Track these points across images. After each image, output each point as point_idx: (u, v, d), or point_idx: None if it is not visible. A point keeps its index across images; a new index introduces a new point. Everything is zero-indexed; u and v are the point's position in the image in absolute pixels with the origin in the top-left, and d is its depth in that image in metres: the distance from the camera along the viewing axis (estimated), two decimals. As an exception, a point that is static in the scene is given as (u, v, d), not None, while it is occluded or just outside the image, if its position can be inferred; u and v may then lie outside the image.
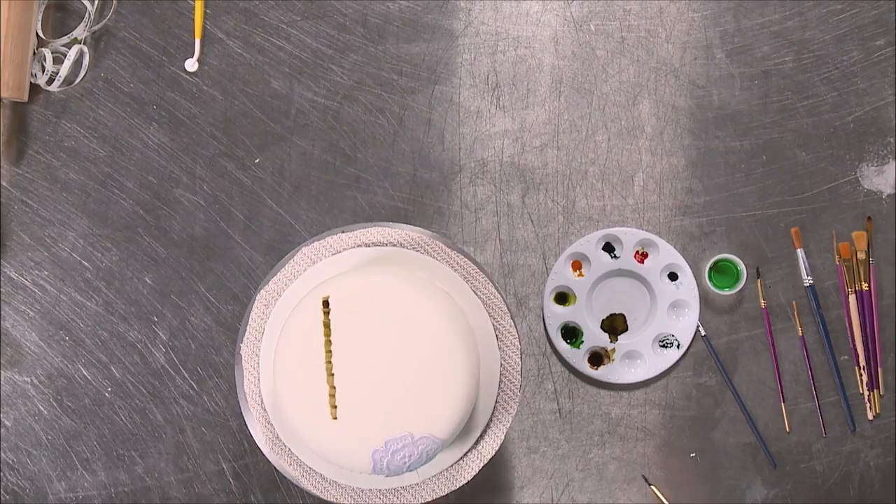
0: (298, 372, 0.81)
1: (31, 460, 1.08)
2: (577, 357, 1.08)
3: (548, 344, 1.09)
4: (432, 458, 0.81)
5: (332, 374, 0.80)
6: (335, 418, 0.80)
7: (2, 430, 1.08)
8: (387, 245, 0.91)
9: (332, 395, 0.80)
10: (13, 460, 1.08)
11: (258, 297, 0.91)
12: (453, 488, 0.89)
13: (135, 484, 1.08)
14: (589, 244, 1.09)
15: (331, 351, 0.81)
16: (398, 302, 0.82)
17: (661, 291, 1.08)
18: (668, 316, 1.08)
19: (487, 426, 0.89)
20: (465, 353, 0.81)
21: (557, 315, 1.08)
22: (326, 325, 0.81)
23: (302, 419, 0.81)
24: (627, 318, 1.09)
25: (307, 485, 0.89)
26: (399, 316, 0.81)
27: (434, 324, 0.81)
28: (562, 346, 1.08)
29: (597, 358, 1.09)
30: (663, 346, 1.09)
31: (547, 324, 1.08)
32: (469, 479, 0.89)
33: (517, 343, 0.90)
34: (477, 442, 0.89)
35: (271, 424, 0.90)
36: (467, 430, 0.88)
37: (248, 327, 0.90)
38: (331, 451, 0.81)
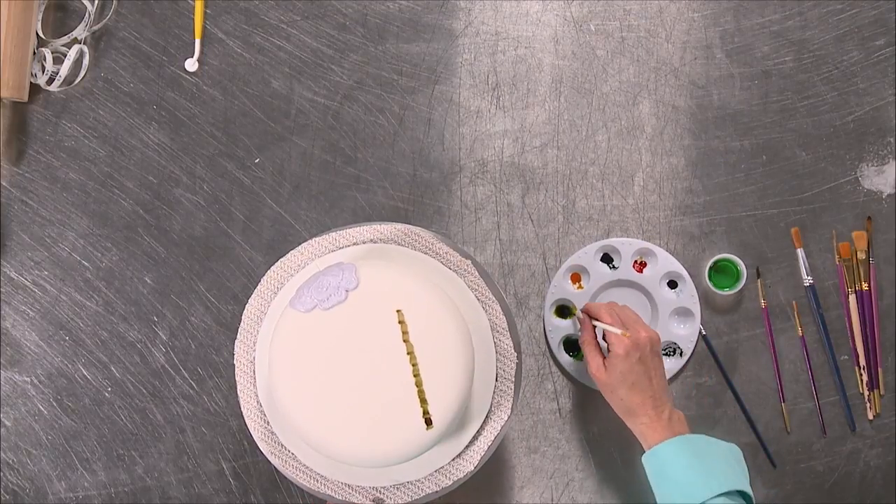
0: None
1: (31, 460, 1.08)
2: (580, 369, 1.07)
3: (549, 352, 1.09)
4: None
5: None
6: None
7: (2, 430, 1.08)
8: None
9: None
10: (13, 460, 1.08)
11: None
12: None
13: (135, 484, 1.08)
14: (587, 256, 1.08)
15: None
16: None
17: (662, 300, 1.08)
18: (669, 324, 1.08)
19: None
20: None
21: (559, 328, 1.08)
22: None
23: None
24: None
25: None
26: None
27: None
28: (564, 358, 1.08)
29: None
30: (665, 354, 1.08)
31: (549, 337, 1.08)
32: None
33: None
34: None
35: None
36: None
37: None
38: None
